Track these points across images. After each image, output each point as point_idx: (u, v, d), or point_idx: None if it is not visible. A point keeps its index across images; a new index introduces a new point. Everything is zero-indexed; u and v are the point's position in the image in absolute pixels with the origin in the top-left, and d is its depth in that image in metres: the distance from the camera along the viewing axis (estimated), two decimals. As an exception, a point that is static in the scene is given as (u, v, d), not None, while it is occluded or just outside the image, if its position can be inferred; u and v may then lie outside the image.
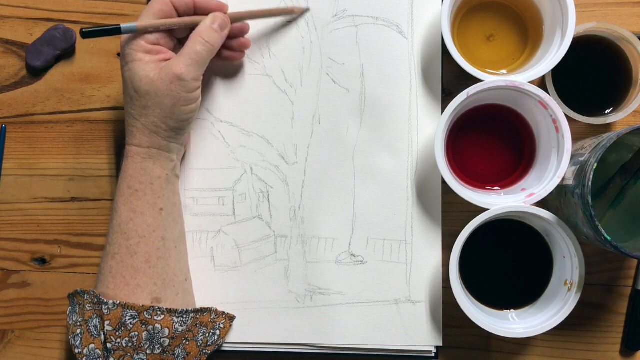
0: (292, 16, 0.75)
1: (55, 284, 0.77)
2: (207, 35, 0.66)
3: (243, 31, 0.72)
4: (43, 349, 0.77)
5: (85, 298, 0.66)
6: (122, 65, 0.66)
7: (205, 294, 0.73)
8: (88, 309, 0.66)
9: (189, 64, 0.65)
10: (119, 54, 0.77)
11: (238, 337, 0.73)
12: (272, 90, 0.75)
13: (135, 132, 0.66)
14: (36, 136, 0.78)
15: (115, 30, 0.64)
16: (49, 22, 0.77)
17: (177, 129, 0.67)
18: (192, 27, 0.68)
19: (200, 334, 0.69)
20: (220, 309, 0.73)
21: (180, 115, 0.66)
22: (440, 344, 0.72)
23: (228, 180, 0.75)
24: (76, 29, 0.77)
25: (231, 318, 0.72)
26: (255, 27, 0.74)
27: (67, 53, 0.77)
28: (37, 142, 0.78)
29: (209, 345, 0.70)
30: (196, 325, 0.68)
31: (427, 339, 0.72)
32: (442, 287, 0.72)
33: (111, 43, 0.77)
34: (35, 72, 0.78)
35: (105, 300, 0.65)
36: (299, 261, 0.74)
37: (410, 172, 0.73)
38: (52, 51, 0.77)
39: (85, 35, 0.64)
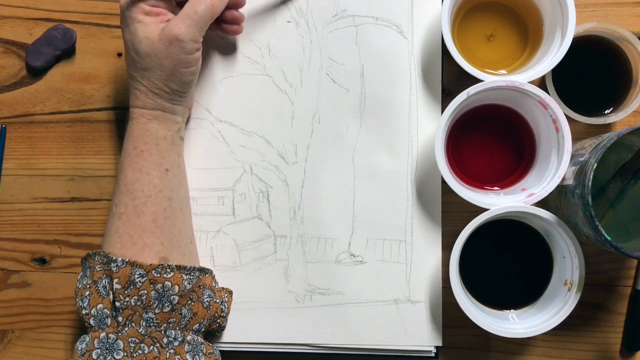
0: None
1: (55, 284, 0.77)
2: None
3: (238, 4, 0.72)
4: (43, 349, 0.77)
5: (96, 259, 0.66)
6: (122, 28, 0.66)
7: (205, 293, 0.73)
8: (98, 269, 0.65)
9: (189, 24, 0.64)
10: (119, 54, 0.77)
11: (237, 337, 0.73)
12: (272, 90, 0.75)
13: (138, 94, 0.66)
14: (36, 136, 0.78)
15: None
16: (49, 22, 0.77)
17: (179, 92, 0.67)
18: None
19: (205, 296, 0.68)
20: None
21: (181, 77, 0.66)
22: (440, 344, 0.72)
23: (228, 180, 0.75)
24: (76, 29, 0.77)
25: (230, 292, 0.72)
26: (256, 26, 0.75)
27: (67, 53, 0.77)
28: (37, 142, 0.78)
29: (222, 317, 0.70)
30: (199, 286, 0.68)
31: (426, 339, 0.72)
32: (442, 287, 0.72)
33: (111, 43, 0.77)
34: (35, 72, 0.78)
35: (114, 258, 0.64)
36: (298, 261, 0.74)
37: (410, 172, 0.73)
38: (52, 51, 0.77)
39: None
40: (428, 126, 0.73)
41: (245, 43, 0.75)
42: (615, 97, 0.71)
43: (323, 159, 0.74)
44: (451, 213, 0.74)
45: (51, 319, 0.77)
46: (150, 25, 0.65)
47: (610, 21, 0.74)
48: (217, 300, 0.70)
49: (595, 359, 0.74)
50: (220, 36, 0.75)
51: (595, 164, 0.60)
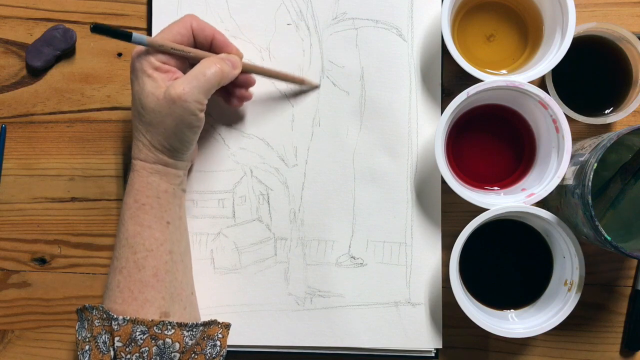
0: (301, 86, 0.75)
1: (55, 284, 0.77)
2: (220, 63, 0.66)
3: (248, 83, 0.72)
4: (43, 349, 0.77)
5: (94, 314, 0.65)
6: (131, 80, 0.66)
7: (206, 296, 0.73)
8: (97, 324, 0.65)
9: (194, 85, 0.64)
10: (119, 54, 0.77)
11: (238, 339, 0.73)
12: (272, 93, 0.75)
13: (141, 147, 0.66)
14: (36, 136, 0.77)
15: (126, 37, 0.63)
16: (49, 22, 0.77)
17: (180, 149, 0.67)
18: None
19: (208, 347, 0.68)
20: (220, 311, 0.73)
21: (182, 136, 0.65)
22: (440, 346, 0.72)
23: (228, 183, 0.75)
24: (76, 29, 0.77)
25: (227, 326, 0.70)
26: (256, 29, 0.75)
27: (67, 53, 0.77)
28: (37, 142, 0.77)
29: (214, 358, 0.68)
30: (203, 338, 0.67)
31: (426, 341, 0.72)
32: (442, 287, 0.72)
33: (111, 43, 0.77)
34: (35, 72, 0.78)
35: (115, 316, 0.64)
36: (298, 263, 0.74)
37: (410, 174, 0.73)
38: (52, 51, 0.77)
39: (95, 29, 0.62)
40: (428, 127, 0.73)
41: (246, 46, 0.75)
42: (615, 97, 0.71)
43: (323, 162, 0.74)
44: (451, 213, 0.74)
45: (51, 319, 0.77)
46: (158, 81, 0.64)
47: (610, 21, 0.74)
48: (212, 347, 0.68)
49: (595, 359, 0.74)
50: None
51: (595, 164, 0.60)
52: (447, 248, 0.72)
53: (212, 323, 0.68)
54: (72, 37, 0.77)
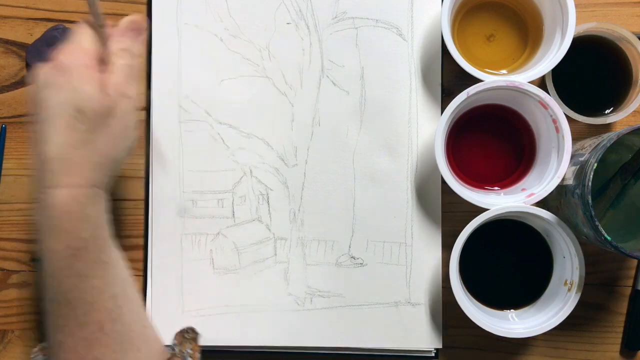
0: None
1: (56, 284, 0.77)
2: (122, 44, 0.60)
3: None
4: (43, 349, 0.77)
5: None
6: (57, 86, 0.56)
7: (205, 296, 0.73)
8: None
9: (130, 80, 0.58)
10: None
11: (238, 339, 0.73)
12: (271, 92, 0.75)
13: (72, 167, 0.55)
14: (36, 136, 0.77)
15: None
16: (49, 22, 0.77)
17: (122, 160, 0.60)
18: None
19: None
20: (219, 311, 0.73)
21: (128, 142, 0.59)
22: (440, 346, 0.72)
23: (227, 183, 0.75)
24: (76, 29, 0.77)
25: (193, 339, 0.66)
26: (256, 28, 0.75)
27: (67, 53, 0.77)
28: (37, 142, 0.77)
29: None
30: None
31: (426, 341, 0.72)
32: (442, 287, 0.72)
33: (111, 43, 0.77)
34: (35, 72, 0.78)
35: None
36: (298, 264, 0.74)
37: (410, 174, 0.73)
38: (52, 51, 0.76)
39: None
40: (428, 127, 0.73)
41: (245, 45, 0.75)
42: (615, 97, 0.71)
43: (323, 161, 0.74)
44: (451, 213, 0.74)
45: (51, 319, 0.77)
46: (96, 82, 0.56)
47: (610, 21, 0.74)
48: None
49: (595, 359, 0.74)
50: None
51: (595, 164, 0.60)
52: (447, 248, 0.72)
53: (172, 353, 0.64)
54: (72, 37, 0.77)
